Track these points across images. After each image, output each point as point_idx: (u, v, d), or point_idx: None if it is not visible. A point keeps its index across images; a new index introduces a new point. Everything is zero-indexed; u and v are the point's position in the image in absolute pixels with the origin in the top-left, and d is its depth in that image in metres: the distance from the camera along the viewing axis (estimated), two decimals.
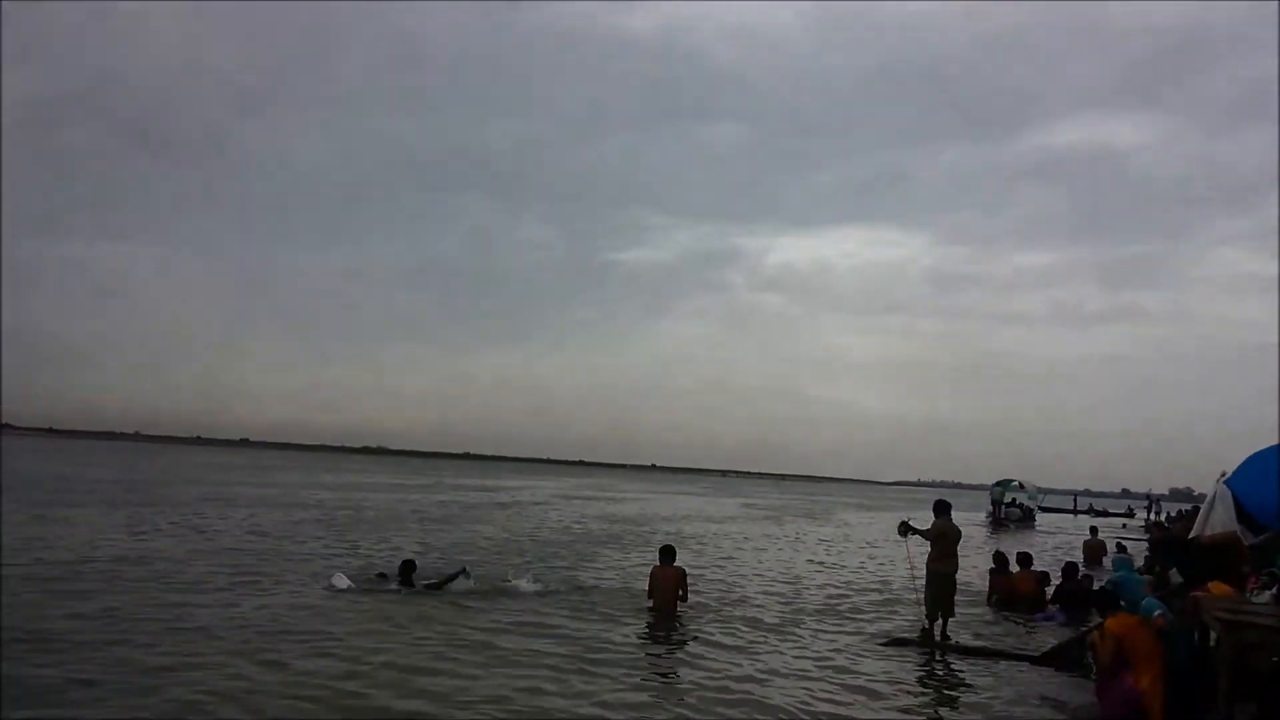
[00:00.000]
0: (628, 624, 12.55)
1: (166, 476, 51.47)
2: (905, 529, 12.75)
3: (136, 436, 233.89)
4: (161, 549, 17.90)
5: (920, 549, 12.99)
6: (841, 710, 8.76)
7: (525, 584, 15.38)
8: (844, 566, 22.83)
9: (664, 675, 9.93)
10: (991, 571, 16.99)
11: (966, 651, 11.79)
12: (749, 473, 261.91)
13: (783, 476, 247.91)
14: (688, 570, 13.92)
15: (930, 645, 12.01)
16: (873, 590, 17.93)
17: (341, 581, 14.39)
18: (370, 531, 24.51)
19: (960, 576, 12.77)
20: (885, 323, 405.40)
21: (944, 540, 12.36)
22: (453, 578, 14.66)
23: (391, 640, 10.68)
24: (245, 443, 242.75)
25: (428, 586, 14.27)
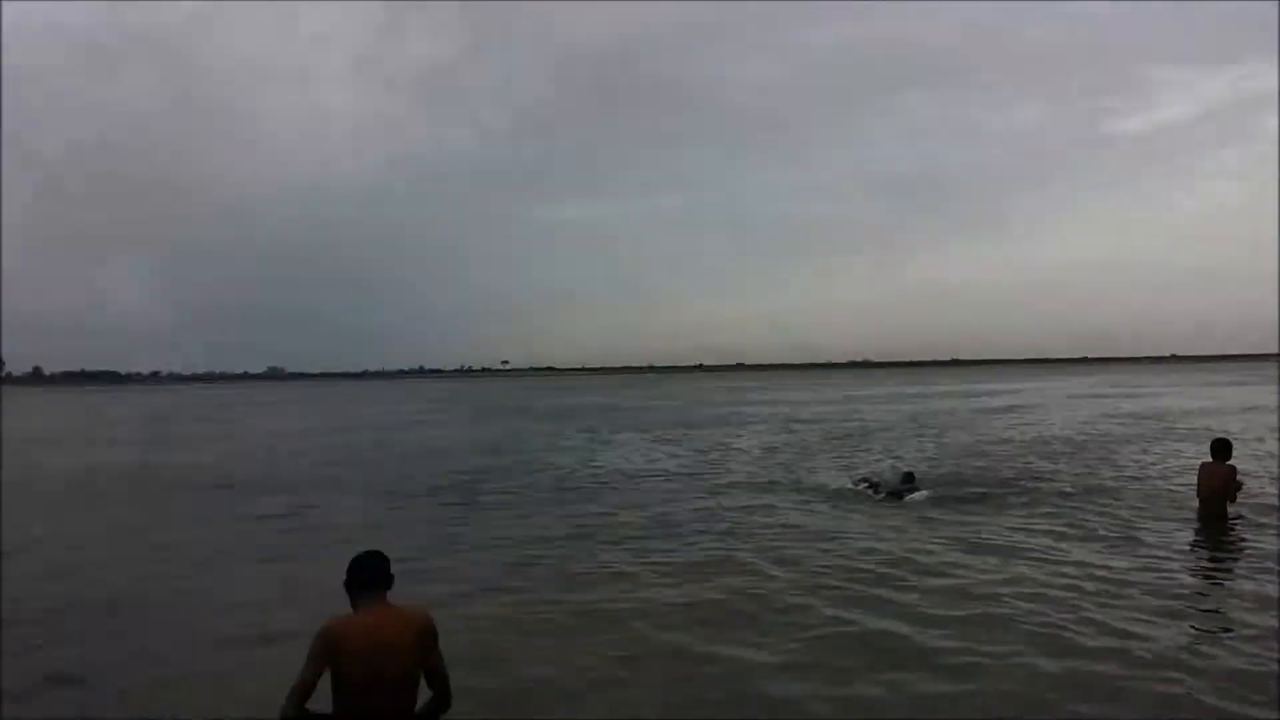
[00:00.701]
0: (1165, 531, 11.27)
1: (672, 403, 57.41)
2: None
3: (625, 370, 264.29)
4: (684, 465, 20.10)
5: None
6: None
7: (1043, 486, 14.64)
8: None
9: (1203, 595, 8.63)
10: None
11: None
12: None
13: None
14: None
15: None
16: None
17: (852, 486, 15.10)
18: (871, 443, 25.08)
19: None
20: None
21: None
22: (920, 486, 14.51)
23: (890, 545, 10.77)
24: (740, 367, 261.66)
25: (920, 497, 14.24)
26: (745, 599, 8.49)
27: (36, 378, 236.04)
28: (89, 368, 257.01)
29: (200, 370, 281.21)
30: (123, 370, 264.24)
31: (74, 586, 9.75)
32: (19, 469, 22.48)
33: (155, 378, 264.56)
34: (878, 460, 20.15)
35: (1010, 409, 41.23)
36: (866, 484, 15.16)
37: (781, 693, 6.13)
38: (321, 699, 3.81)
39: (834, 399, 56.62)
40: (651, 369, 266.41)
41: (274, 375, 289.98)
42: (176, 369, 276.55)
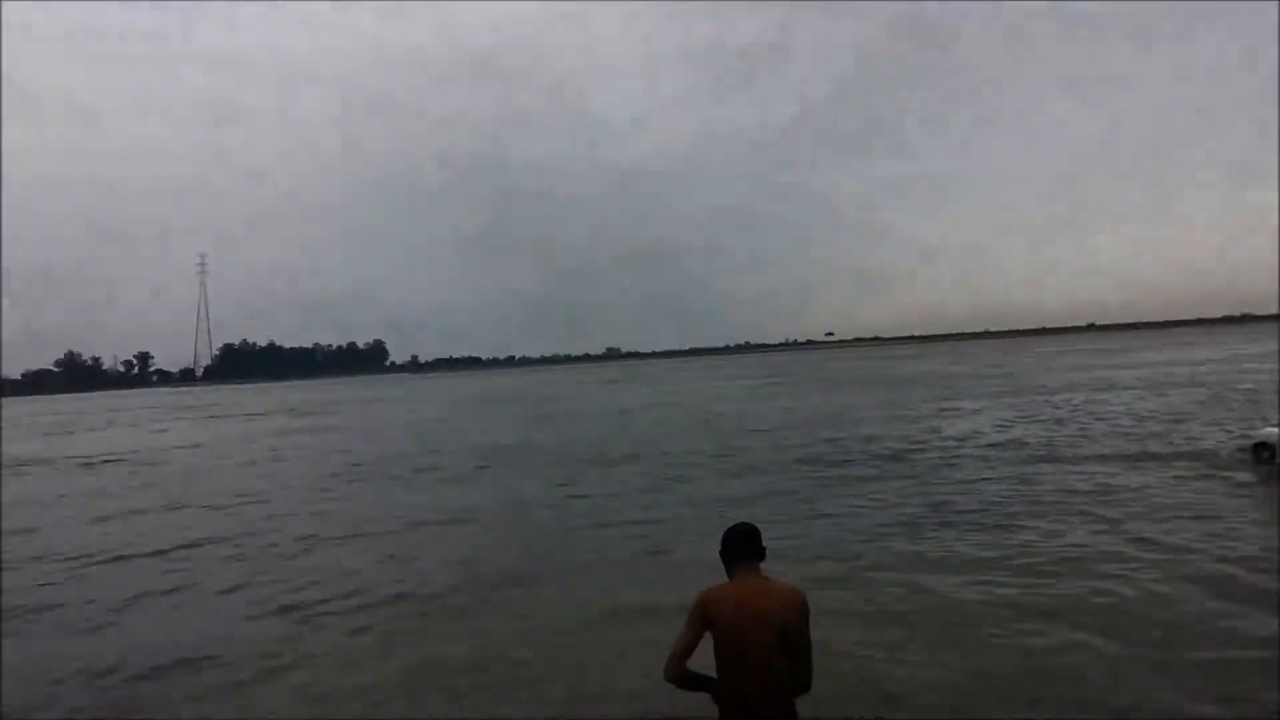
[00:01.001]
0: None
1: (1015, 368, 53.94)
2: None
3: (984, 334, 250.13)
4: (1037, 435, 18.94)
5: None
6: None
7: None
8: None
9: None
10: None
11: None
12: None
13: None
14: None
15: None
16: None
17: (1238, 453, 13.85)
18: (1258, 405, 22.34)
19: None
20: None
21: None
22: None
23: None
24: (1091, 328, 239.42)
25: None
26: (1110, 593, 7.67)
27: (414, 365, 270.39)
28: (455, 355, 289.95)
29: (548, 353, 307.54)
30: (484, 356, 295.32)
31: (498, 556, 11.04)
32: (456, 437, 26.32)
33: (510, 361, 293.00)
34: (1265, 424, 18.03)
35: None
36: (1259, 450, 13.67)
37: (1164, 709, 5.35)
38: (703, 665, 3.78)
39: (1208, 358, 50.30)
40: (986, 334, 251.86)
41: (611, 356, 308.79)
42: (527, 353, 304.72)
